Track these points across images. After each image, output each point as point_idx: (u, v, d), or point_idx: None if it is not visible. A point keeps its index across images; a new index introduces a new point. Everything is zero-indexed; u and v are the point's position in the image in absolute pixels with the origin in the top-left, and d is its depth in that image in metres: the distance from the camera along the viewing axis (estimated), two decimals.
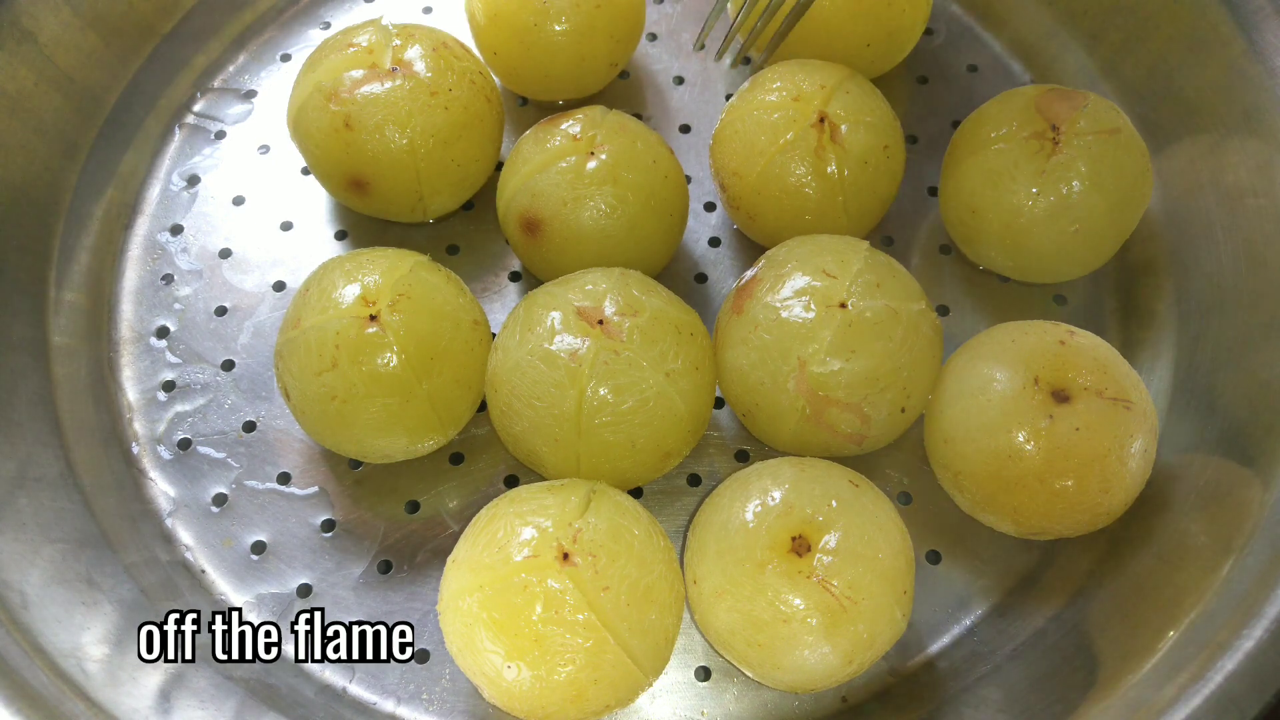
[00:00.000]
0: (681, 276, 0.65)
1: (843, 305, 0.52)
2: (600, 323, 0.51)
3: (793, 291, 0.53)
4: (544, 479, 0.55)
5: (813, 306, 0.52)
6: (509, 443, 0.55)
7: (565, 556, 0.46)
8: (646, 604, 0.47)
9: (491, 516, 0.49)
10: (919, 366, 0.53)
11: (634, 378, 0.51)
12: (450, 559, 0.50)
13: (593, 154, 0.57)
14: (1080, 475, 0.50)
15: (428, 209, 0.64)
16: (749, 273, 0.55)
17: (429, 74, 0.60)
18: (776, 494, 0.49)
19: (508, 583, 0.46)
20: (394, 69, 0.59)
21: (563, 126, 0.59)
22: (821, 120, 0.58)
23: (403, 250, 0.56)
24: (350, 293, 0.53)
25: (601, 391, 0.50)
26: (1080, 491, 0.51)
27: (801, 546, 0.48)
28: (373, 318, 0.52)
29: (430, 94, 0.59)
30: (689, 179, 0.68)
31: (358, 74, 0.59)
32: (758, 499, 0.49)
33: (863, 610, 0.47)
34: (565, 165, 0.57)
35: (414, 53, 0.60)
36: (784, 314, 0.52)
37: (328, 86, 0.59)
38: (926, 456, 0.57)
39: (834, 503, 0.48)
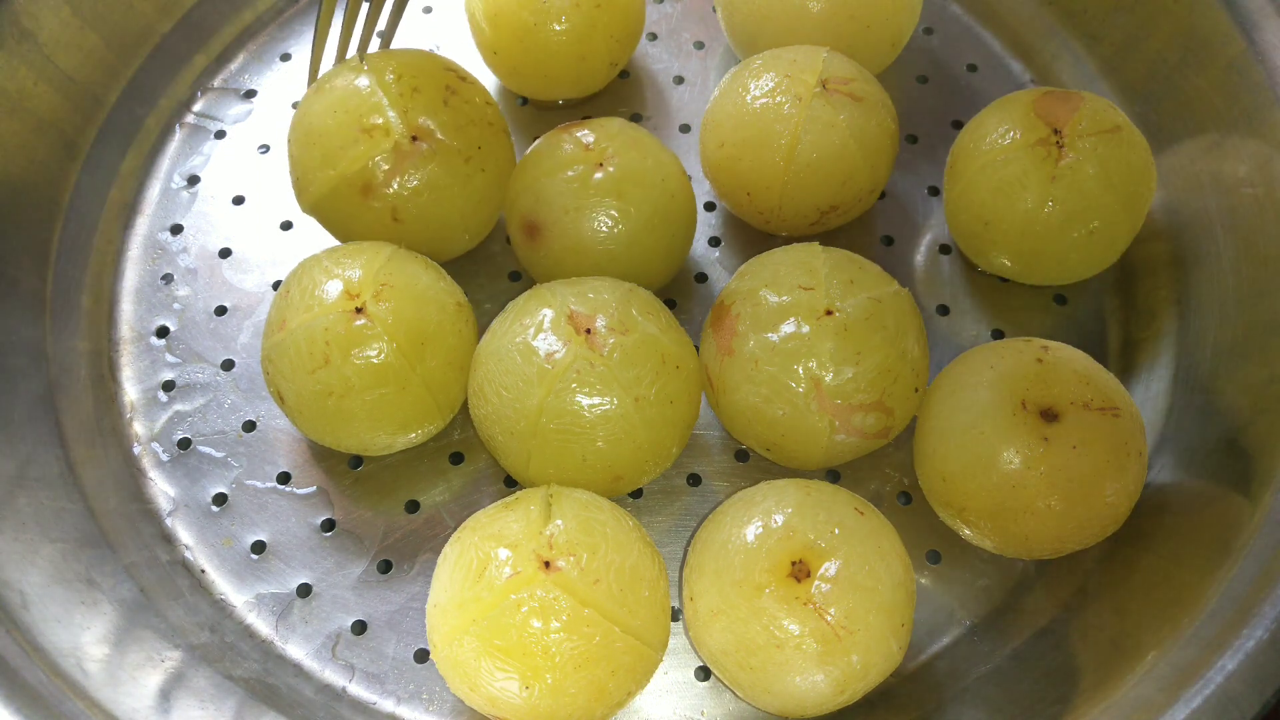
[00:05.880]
0: (682, 276, 0.65)
1: (830, 312, 0.51)
2: (588, 331, 0.51)
3: (778, 316, 0.52)
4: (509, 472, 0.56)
5: (803, 324, 0.51)
6: (475, 422, 0.55)
7: (547, 565, 0.46)
8: (637, 583, 0.47)
9: (460, 550, 0.48)
10: (917, 342, 0.53)
11: (602, 394, 0.50)
12: (430, 604, 0.49)
13: (601, 165, 0.57)
14: (1086, 492, 0.50)
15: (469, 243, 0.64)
16: (720, 311, 0.54)
17: (455, 141, 0.58)
18: (779, 517, 0.48)
19: (500, 607, 0.45)
20: (415, 139, 0.57)
21: (577, 134, 0.58)
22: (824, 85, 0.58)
23: (375, 242, 0.56)
24: (333, 288, 0.53)
25: (566, 398, 0.50)
26: (1089, 507, 0.50)
27: (801, 572, 0.47)
28: (359, 310, 0.52)
29: (464, 160, 0.58)
30: (689, 179, 0.68)
31: (384, 164, 0.56)
32: (760, 520, 0.49)
33: (858, 641, 0.46)
34: (572, 174, 0.57)
35: (426, 114, 0.57)
36: (778, 341, 0.51)
37: (358, 181, 0.57)
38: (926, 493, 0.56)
39: (837, 530, 0.48)
